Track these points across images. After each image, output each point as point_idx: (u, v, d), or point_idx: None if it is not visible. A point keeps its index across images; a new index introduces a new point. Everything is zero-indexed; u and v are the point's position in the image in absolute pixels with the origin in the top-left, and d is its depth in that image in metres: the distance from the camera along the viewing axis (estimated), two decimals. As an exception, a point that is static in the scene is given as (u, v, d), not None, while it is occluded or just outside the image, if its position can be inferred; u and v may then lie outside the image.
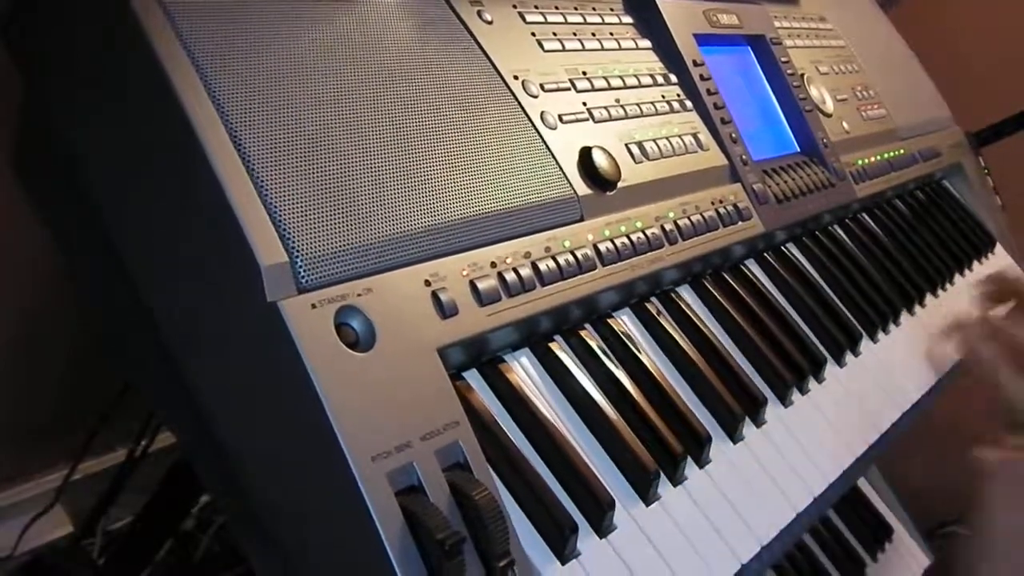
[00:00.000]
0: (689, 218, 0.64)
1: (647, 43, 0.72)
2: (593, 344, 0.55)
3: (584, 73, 0.64)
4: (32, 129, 0.55)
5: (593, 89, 0.64)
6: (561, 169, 0.57)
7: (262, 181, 0.42)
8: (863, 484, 1.16)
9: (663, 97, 0.69)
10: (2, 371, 0.84)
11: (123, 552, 0.89)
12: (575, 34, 0.66)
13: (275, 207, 0.42)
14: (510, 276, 0.50)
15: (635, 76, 0.68)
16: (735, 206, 0.69)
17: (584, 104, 0.62)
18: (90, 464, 0.97)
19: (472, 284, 0.48)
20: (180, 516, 0.88)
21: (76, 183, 0.50)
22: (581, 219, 0.56)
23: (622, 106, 0.65)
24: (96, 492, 0.90)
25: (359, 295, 0.43)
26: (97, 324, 0.62)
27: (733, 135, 0.72)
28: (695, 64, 0.73)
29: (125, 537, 0.91)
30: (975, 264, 0.99)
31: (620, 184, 0.60)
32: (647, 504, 0.51)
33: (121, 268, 0.49)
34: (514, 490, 0.46)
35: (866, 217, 0.91)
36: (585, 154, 0.58)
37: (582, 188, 0.57)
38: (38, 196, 0.59)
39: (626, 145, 0.63)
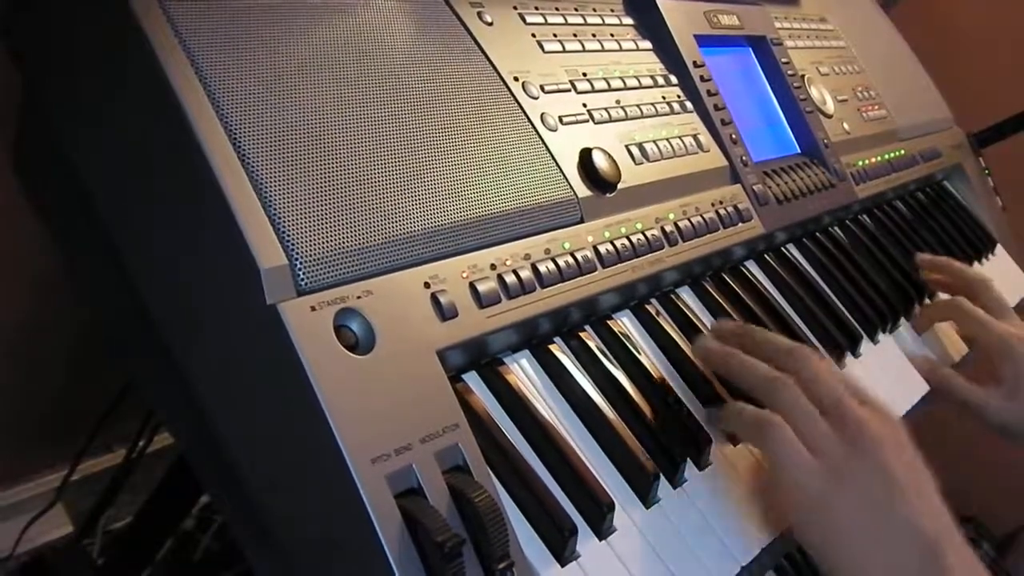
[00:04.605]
0: (689, 219, 0.64)
1: (647, 44, 0.72)
2: (593, 346, 0.55)
3: (584, 74, 0.64)
4: (32, 129, 0.55)
5: (593, 90, 0.64)
6: (561, 171, 0.57)
7: (261, 183, 0.42)
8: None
9: (663, 98, 0.69)
10: (2, 371, 0.84)
11: (123, 552, 0.89)
12: (575, 35, 0.66)
13: (274, 209, 0.42)
14: (510, 278, 0.50)
15: (635, 77, 0.68)
16: (735, 207, 0.68)
17: (584, 105, 0.62)
18: (90, 464, 0.97)
19: (472, 286, 0.48)
20: (180, 516, 0.88)
21: (76, 183, 0.50)
22: (581, 221, 0.56)
23: (622, 107, 0.65)
24: (96, 492, 0.90)
25: (359, 297, 0.43)
26: (97, 324, 0.62)
27: (733, 136, 0.72)
28: (696, 65, 0.73)
29: (125, 537, 0.91)
30: (976, 265, 0.99)
31: (620, 185, 0.59)
32: (647, 506, 0.51)
33: (121, 268, 0.49)
34: (513, 492, 0.46)
35: (866, 218, 0.90)
36: (585, 155, 0.58)
37: (582, 190, 0.57)
38: (38, 196, 0.59)
39: (626, 146, 0.63)
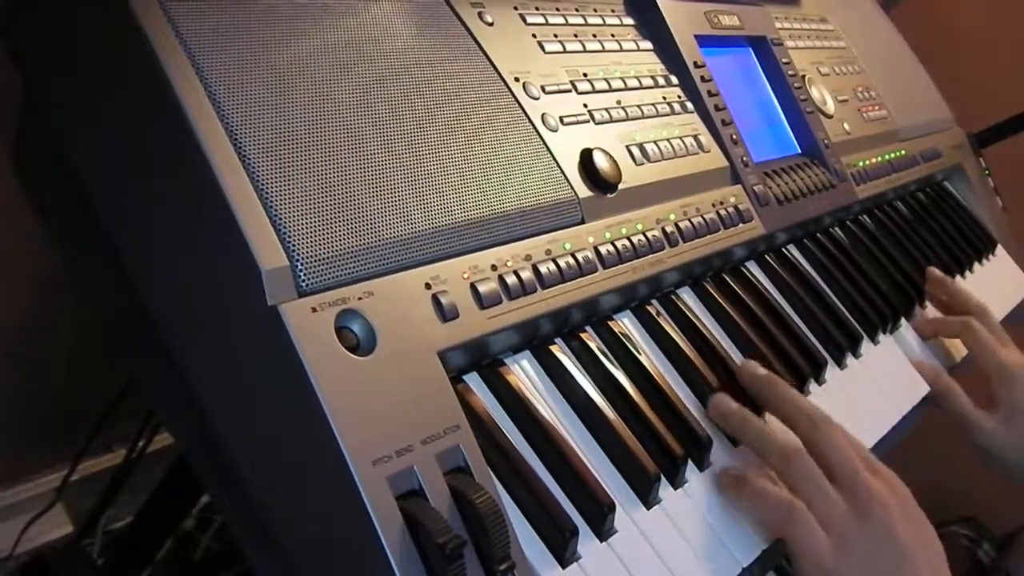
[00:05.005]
0: (690, 220, 0.64)
1: (648, 44, 0.72)
2: (593, 346, 0.55)
3: (585, 75, 0.64)
4: (32, 129, 0.55)
5: (594, 91, 0.64)
6: (562, 171, 0.57)
7: (262, 184, 0.42)
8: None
9: (664, 98, 0.69)
10: (2, 371, 0.84)
11: (123, 552, 0.89)
12: (576, 35, 0.66)
13: (275, 210, 0.42)
14: (511, 279, 0.50)
15: (636, 77, 0.68)
16: (736, 208, 0.68)
17: (585, 106, 0.62)
18: (90, 464, 0.97)
19: (473, 287, 0.48)
20: (180, 516, 0.88)
21: (76, 183, 0.50)
22: (582, 221, 0.56)
23: (623, 108, 0.65)
24: (96, 492, 0.90)
25: (360, 298, 0.43)
26: (97, 324, 0.62)
27: (734, 136, 0.72)
28: (696, 65, 0.73)
29: (125, 537, 0.91)
30: (976, 265, 0.99)
31: (621, 186, 0.59)
32: (648, 507, 0.51)
33: (121, 268, 0.49)
34: (514, 493, 0.46)
35: (867, 218, 0.90)
36: (586, 156, 0.58)
37: (583, 190, 0.57)
38: (38, 196, 0.59)
39: (627, 147, 0.63)
